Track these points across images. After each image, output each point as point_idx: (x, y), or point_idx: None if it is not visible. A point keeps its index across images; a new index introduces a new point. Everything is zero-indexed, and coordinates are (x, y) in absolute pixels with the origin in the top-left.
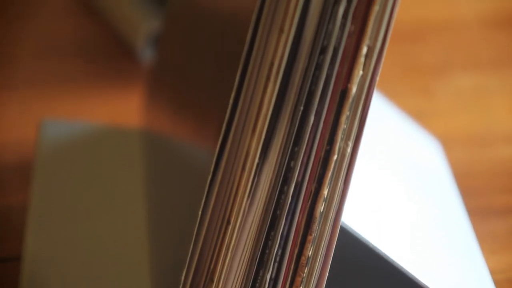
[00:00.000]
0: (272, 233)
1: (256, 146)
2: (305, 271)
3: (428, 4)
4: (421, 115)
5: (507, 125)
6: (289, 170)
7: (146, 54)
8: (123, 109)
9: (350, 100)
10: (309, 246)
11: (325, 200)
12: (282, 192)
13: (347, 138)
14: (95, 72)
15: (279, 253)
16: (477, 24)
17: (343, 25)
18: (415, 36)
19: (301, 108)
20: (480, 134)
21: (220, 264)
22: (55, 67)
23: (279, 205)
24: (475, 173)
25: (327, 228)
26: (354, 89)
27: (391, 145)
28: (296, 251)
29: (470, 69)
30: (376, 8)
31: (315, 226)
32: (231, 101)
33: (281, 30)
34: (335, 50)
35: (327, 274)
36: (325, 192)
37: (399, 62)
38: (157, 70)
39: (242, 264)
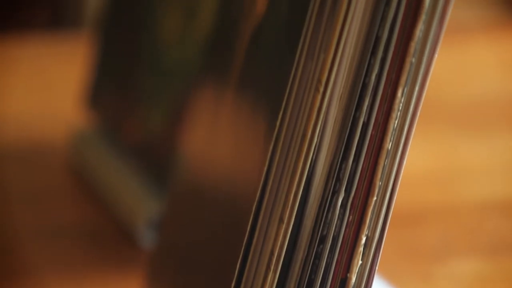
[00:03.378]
0: None
1: None
2: None
3: (426, 188)
4: None
5: None
6: None
7: (147, 238)
8: None
9: None
10: None
11: None
12: None
13: None
14: (94, 257)
15: None
16: (477, 209)
17: (341, 215)
18: (414, 220)
19: None
20: None
21: None
22: (54, 253)
23: None
24: None
25: None
26: (353, 278)
27: None
28: None
29: (470, 254)
30: (374, 199)
31: None
32: None
33: (281, 220)
34: (334, 240)
35: None
36: None
37: (398, 246)
38: (158, 254)
39: None
